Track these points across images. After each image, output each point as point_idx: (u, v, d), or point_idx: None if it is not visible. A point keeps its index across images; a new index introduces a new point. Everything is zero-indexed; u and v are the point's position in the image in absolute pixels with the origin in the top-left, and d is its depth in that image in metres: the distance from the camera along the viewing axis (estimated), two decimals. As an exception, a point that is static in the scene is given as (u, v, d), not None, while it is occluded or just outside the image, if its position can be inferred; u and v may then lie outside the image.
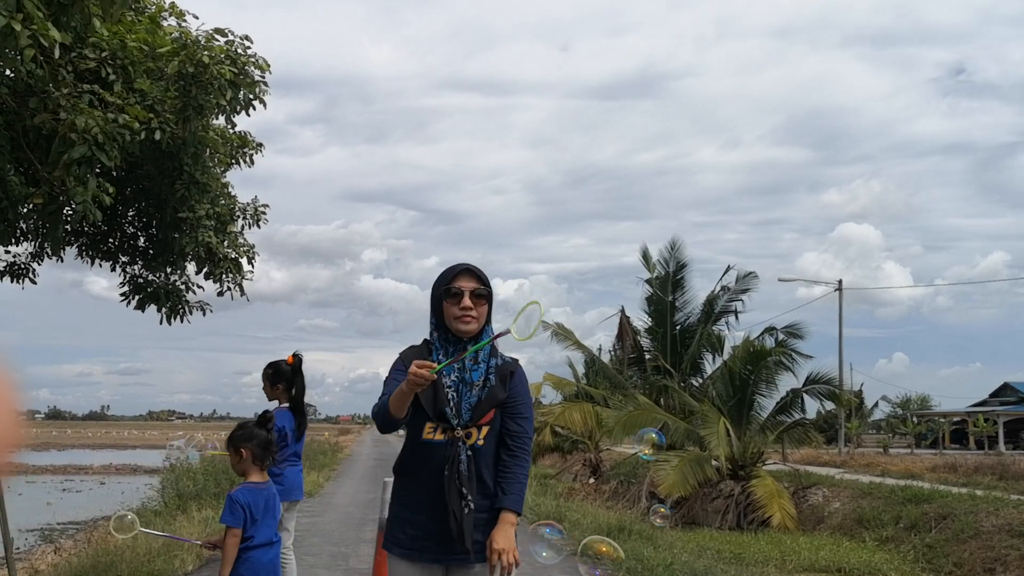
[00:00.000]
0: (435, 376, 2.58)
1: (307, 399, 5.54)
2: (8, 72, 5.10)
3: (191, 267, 7.58)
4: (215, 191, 7.20)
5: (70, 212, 6.30)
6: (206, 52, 6.00)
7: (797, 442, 19.31)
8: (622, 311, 24.71)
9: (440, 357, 2.89)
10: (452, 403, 2.87)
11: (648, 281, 22.59)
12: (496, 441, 2.94)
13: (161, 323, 7.76)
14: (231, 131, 7.55)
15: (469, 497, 2.83)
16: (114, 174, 6.60)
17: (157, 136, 5.96)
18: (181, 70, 5.95)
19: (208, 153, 7.03)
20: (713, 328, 21.70)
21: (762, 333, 19.84)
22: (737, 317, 21.81)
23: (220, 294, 7.51)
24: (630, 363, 24.20)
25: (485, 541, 2.83)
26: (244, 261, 7.55)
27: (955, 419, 45.08)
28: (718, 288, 22.00)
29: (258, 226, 7.96)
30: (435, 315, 2.99)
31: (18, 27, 4.31)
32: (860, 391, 49.45)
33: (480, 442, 2.89)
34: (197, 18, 6.65)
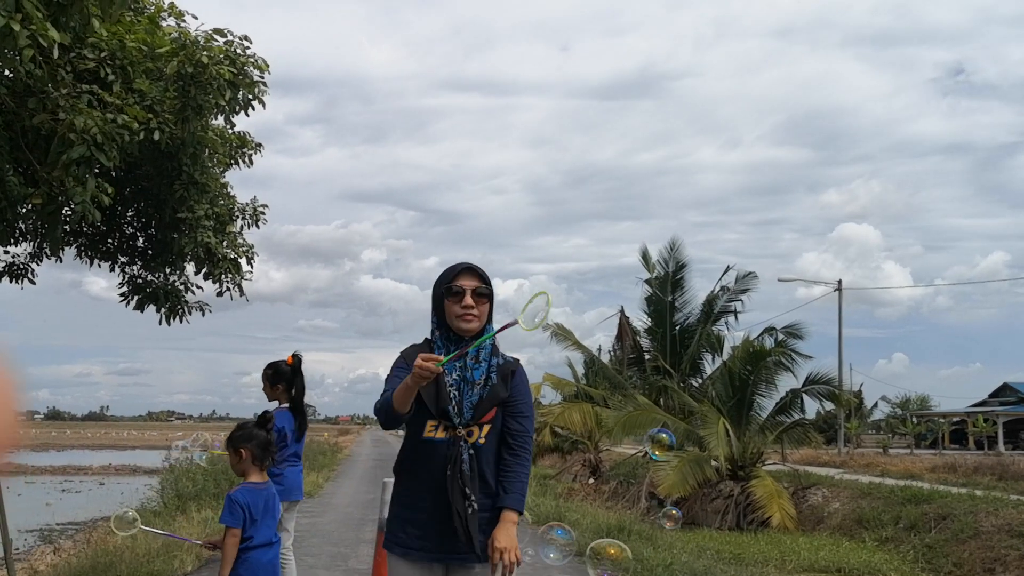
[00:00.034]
0: (440, 369, 2.58)
1: (306, 399, 5.54)
2: (7, 72, 5.09)
3: (190, 267, 7.58)
4: (214, 191, 7.20)
5: (69, 212, 6.30)
6: (205, 52, 6.00)
7: (797, 442, 19.30)
8: (622, 311, 24.74)
9: (442, 355, 2.89)
10: (454, 401, 2.88)
11: (648, 281, 22.60)
12: (497, 440, 2.95)
13: (160, 323, 7.77)
14: (230, 131, 7.55)
15: (472, 497, 2.83)
16: (113, 174, 6.60)
17: (156, 136, 5.96)
18: (180, 70, 5.95)
19: (207, 153, 7.03)
20: (713, 328, 21.71)
21: (762, 333, 19.86)
22: (737, 317, 21.84)
23: (219, 294, 7.51)
24: (630, 363, 24.20)
25: (487, 540, 2.84)
26: (243, 261, 7.55)
27: (955, 419, 45.07)
28: (718, 288, 22.03)
29: (257, 226, 7.96)
30: (436, 314, 3.00)
31: (17, 27, 4.31)
32: (860, 391, 49.52)
33: (481, 440, 2.90)
34: (196, 18, 6.65)
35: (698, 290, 22.97)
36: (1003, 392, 47.24)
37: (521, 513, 2.90)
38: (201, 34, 6.24)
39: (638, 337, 23.71)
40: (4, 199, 5.61)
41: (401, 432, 3.06)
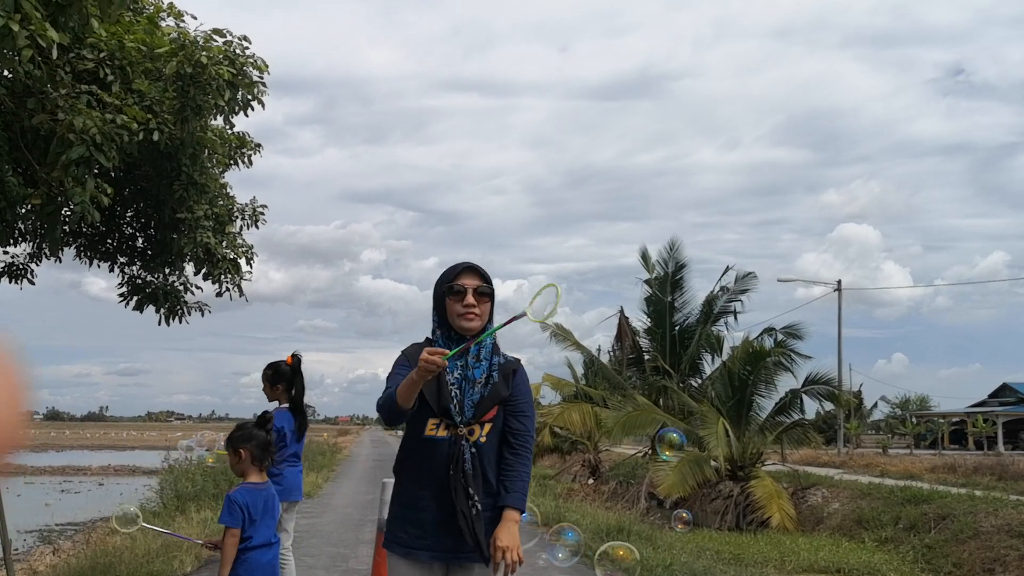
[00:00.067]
0: (446, 363, 2.57)
1: (306, 400, 5.54)
2: (6, 73, 5.09)
3: (189, 268, 7.58)
4: (213, 192, 7.20)
5: (68, 213, 6.29)
6: (204, 53, 6.00)
7: (796, 443, 19.31)
8: (621, 312, 24.70)
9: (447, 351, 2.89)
10: (455, 400, 2.88)
11: (647, 282, 22.58)
12: (498, 439, 2.95)
13: (160, 324, 7.77)
14: (229, 132, 7.55)
15: (476, 497, 2.84)
16: (112, 175, 6.60)
17: (155, 137, 5.96)
18: (179, 71, 5.95)
19: (206, 154, 7.03)
20: (712, 328, 21.69)
21: (761, 333, 19.84)
22: (736, 317, 21.80)
23: (219, 295, 7.51)
24: (629, 364, 24.18)
25: (488, 539, 2.84)
26: (243, 262, 7.55)
27: (954, 419, 45.07)
28: (717, 288, 22.00)
29: (256, 227, 7.96)
30: (438, 313, 3.00)
31: (16, 27, 4.31)
32: (859, 391, 49.48)
33: (483, 439, 2.91)
34: (195, 18, 6.66)
35: (698, 290, 22.98)
36: (1002, 392, 47.23)
37: (523, 512, 2.90)
38: (200, 34, 6.24)
39: (637, 337, 23.69)
40: (3, 199, 5.61)
41: (400, 432, 3.06)
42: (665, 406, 20.64)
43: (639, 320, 23.51)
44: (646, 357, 23.30)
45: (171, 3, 6.88)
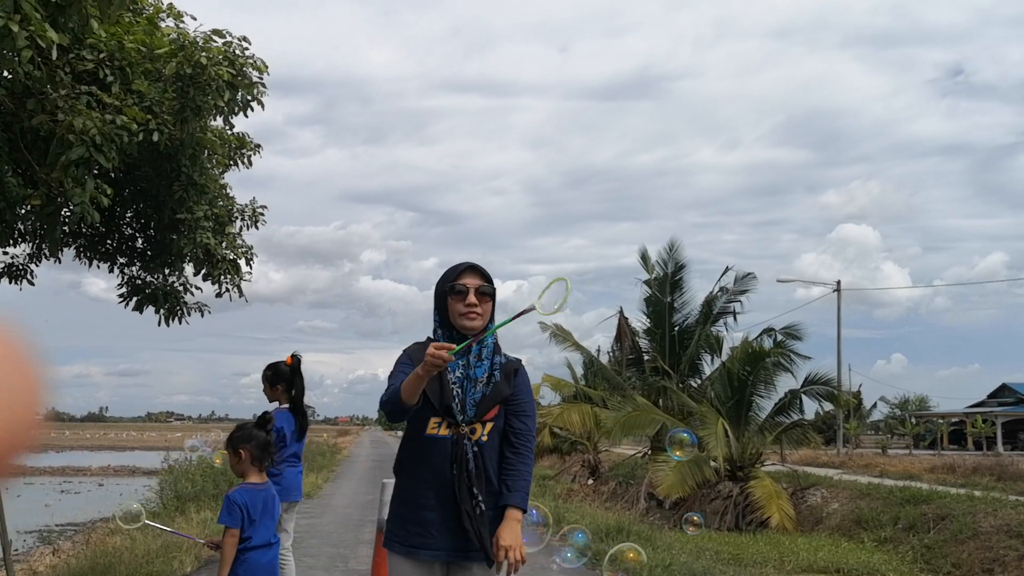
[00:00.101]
0: (453, 358, 2.57)
1: (305, 400, 5.54)
2: (6, 73, 5.09)
3: (189, 268, 7.58)
4: (213, 192, 7.20)
5: (68, 213, 6.30)
6: (204, 53, 6.00)
7: (796, 443, 19.30)
8: (620, 312, 24.68)
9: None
10: (457, 399, 2.88)
11: (647, 282, 22.56)
12: (499, 438, 2.96)
13: (159, 324, 7.77)
14: (229, 132, 7.55)
15: (480, 497, 2.84)
16: (112, 175, 6.60)
17: (155, 137, 5.96)
18: (179, 71, 5.95)
19: (206, 154, 7.03)
20: (712, 329, 21.67)
21: (761, 334, 19.82)
22: (736, 318, 21.78)
23: (218, 295, 7.51)
24: (628, 364, 24.17)
25: (490, 538, 2.84)
26: (242, 262, 7.55)
27: (953, 420, 45.09)
28: (717, 289, 21.98)
29: (256, 227, 7.97)
30: (439, 312, 3.01)
31: (15, 28, 4.31)
32: (858, 392, 49.44)
33: (484, 438, 2.91)
34: (195, 19, 6.67)
35: (697, 291, 22.94)
36: (1002, 393, 47.26)
37: (525, 511, 2.91)
38: (200, 35, 6.25)
39: (637, 338, 23.67)
40: (3, 200, 5.61)
41: (400, 433, 3.07)
42: (664, 406, 20.64)
43: (638, 321, 23.51)
44: (645, 357, 23.29)
45: (171, 4, 6.89)
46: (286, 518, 5.27)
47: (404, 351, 3.01)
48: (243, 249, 7.60)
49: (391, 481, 3.14)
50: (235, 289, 7.54)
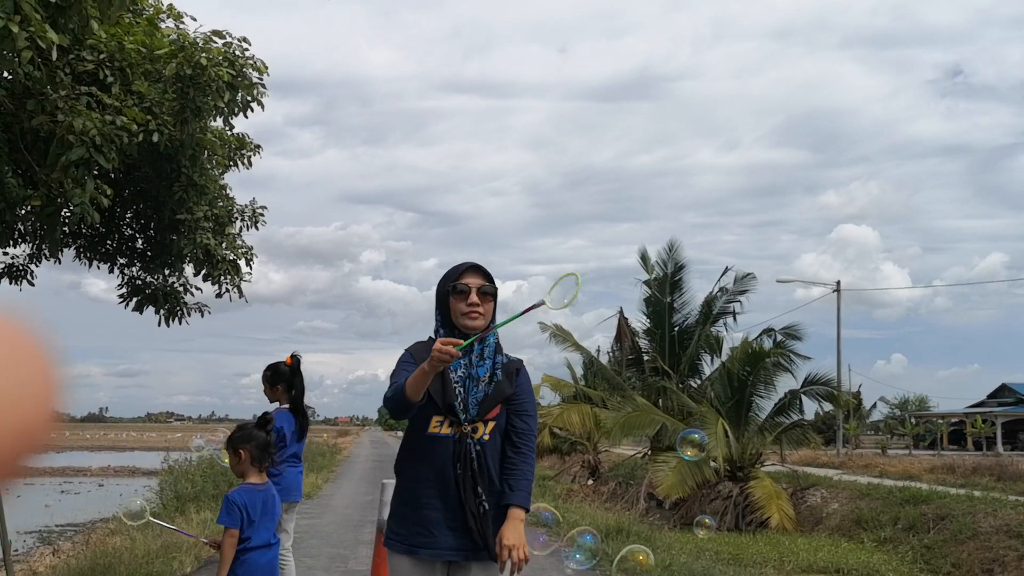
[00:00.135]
0: (460, 354, 2.56)
1: (305, 401, 5.55)
2: (6, 74, 5.10)
3: (189, 269, 7.59)
4: (213, 193, 7.21)
5: (68, 214, 6.31)
6: (204, 54, 6.01)
7: (795, 443, 19.31)
8: (620, 312, 24.70)
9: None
10: (460, 398, 2.88)
11: (646, 282, 22.57)
12: (501, 437, 2.97)
13: (159, 325, 7.78)
14: (229, 133, 7.56)
15: (483, 496, 2.84)
16: (112, 176, 6.61)
17: (155, 138, 5.97)
18: (179, 72, 5.96)
19: (206, 155, 7.04)
20: (711, 329, 21.68)
21: (760, 334, 19.83)
22: (735, 318, 21.78)
23: (218, 296, 7.52)
24: (628, 364, 24.18)
25: (494, 538, 2.84)
26: (242, 263, 7.56)
27: (953, 420, 45.09)
28: (716, 289, 21.99)
29: (256, 228, 7.98)
30: (441, 312, 3.01)
31: (15, 29, 4.32)
32: (858, 392, 49.48)
33: (486, 437, 2.92)
34: (195, 20, 6.67)
35: (697, 291, 22.93)
36: (1001, 393, 47.26)
37: (528, 511, 2.91)
38: (200, 36, 6.25)
39: (637, 338, 23.68)
40: (3, 201, 5.62)
41: (400, 433, 3.07)
42: (664, 407, 20.65)
43: (638, 321, 23.52)
44: (645, 358, 23.30)
45: (171, 4, 6.89)
46: (286, 518, 5.28)
47: (406, 350, 3.01)
48: (243, 250, 7.61)
49: (391, 482, 3.14)
50: (235, 290, 7.55)
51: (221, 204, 7.46)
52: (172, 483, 13.88)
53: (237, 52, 6.29)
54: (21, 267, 7.60)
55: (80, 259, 7.68)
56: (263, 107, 6.62)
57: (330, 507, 14.06)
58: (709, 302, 21.83)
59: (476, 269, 2.99)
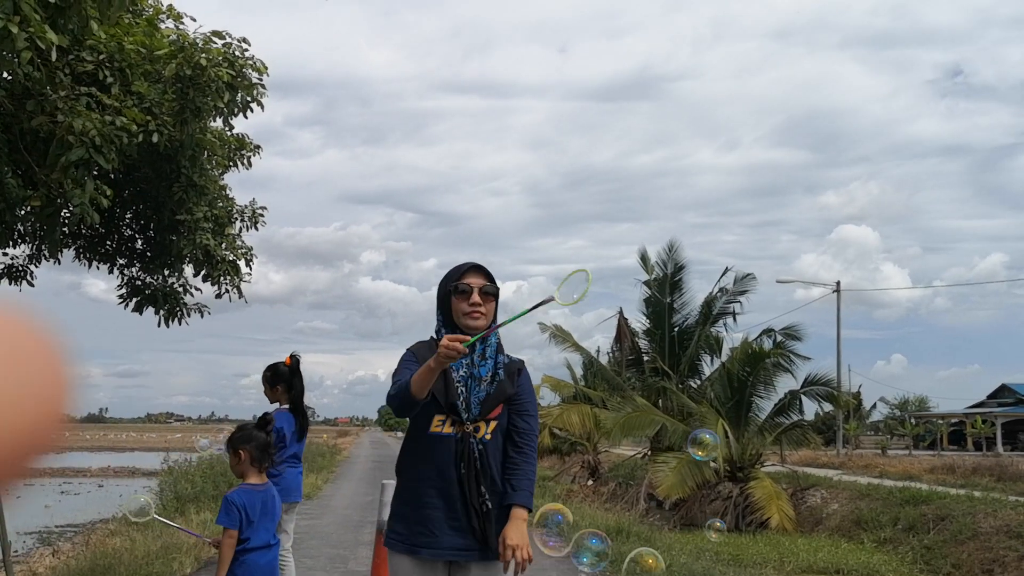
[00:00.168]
0: (467, 350, 2.55)
1: (305, 401, 5.55)
2: (5, 75, 5.10)
3: (189, 269, 7.59)
4: (213, 193, 7.21)
5: (68, 214, 6.30)
6: (204, 54, 6.01)
7: (795, 444, 19.31)
8: (620, 313, 24.68)
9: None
10: (462, 397, 2.88)
11: (646, 283, 22.56)
12: (502, 436, 2.97)
13: (159, 325, 7.78)
14: (229, 133, 7.56)
15: (487, 496, 2.84)
16: (112, 176, 6.61)
17: (155, 139, 5.97)
18: (179, 72, 5.96)
19: (206, 155, 7.04)
20: (711, 330, 21.67)
21: (760, 335, 19.83)
22: (735, 319, 21.77)
23: (218, 296, 7.52)
24: (628, 365, 24.18)
25: (497, 538, 2.84)
26: (242, 263, 7.56)
27: (953, 420, 45.10)
28: (716, 290, 21.98)
29: (256, 228, 7.97)
30: (443, 312, 3.00)
31: (15, 29, 4.32)
32: (858, 392, 49.48)
33: (487, 436, 2.92)
34: (195, 20, 6.67)
35: (697, 292, 22.92)
36: (1001, 393, 47.25)
37: (531, 511, 2.91)
38: (200, 36, 6.25)
39: (637, 338, 23.68)
40: (3, 201, 5.61)
41: (401, 434, 3.07)
42: (664, 407, 20.64)
43: (638, 321, 23.51)
44: (645, 358, 23.29)
45: (170, 5, 6.89)
46: (286, 519, 5.28)
47: (408, 349, 3.01)
48: (243, 250, 7.61)
49: (391, 482, 3.14)
50: (235, 290, 7.55)
51: (221, 204, 7.46)
52: (172, 484, 13.88)
53: (237, 52, 6.29)
54: (21, 268, 7.60)
55: (80, 260, 7.68)
56: (263, 107, 6.62)
57: (330, 508, 14.05)
58: (709, 302, 21.82)
59: (478, 269, 2.99)
